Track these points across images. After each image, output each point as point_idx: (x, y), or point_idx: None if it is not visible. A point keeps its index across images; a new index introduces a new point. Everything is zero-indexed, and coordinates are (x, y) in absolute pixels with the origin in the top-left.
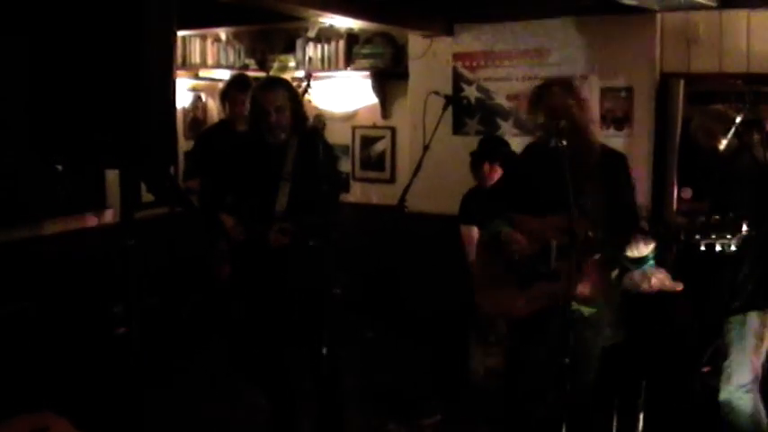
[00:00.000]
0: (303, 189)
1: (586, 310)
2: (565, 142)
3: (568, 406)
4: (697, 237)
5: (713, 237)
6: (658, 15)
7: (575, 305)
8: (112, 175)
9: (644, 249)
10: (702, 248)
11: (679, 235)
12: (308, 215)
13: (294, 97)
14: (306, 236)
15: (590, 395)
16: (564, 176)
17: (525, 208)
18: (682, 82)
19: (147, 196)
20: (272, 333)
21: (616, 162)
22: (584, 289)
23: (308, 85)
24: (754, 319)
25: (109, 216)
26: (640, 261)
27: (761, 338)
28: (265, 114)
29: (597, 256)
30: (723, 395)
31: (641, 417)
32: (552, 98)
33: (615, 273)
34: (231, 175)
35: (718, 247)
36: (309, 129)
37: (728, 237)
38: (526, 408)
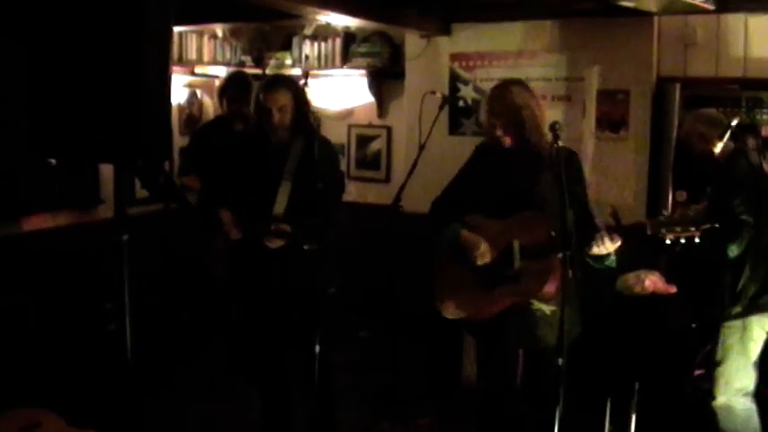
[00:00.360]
0: (304, 189)
1: (548, 309)
2: (561, 143)
3: (559, 406)
4: (663, 231)
5: (678, 230)
6: (656, 18)
7: (536, 304)
8: (107, 170)
9: (610, 246)
10: (668, 242)
11: (647, 230)
12: (309, 215)
13: (298, 96)
14: (302, 238)
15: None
16: (557, 177)
17: (484, 210)
18: (678, 86)
19: (141, 192)
20: (272, 333)
21: (568, 159)
22: (549, 288)
23: (305, 84)
24: (754, 323)
25: (102, 211)
26: (602, 259)
27: (759, 343)
28: (268, 113)
29: (560, 255)
30: (721, 400)
31: (633, 418)
32: (514, 97)
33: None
34: (231, 173)
35: (683, 240)
36: (313, 128)
37: (692, 230)
38: (501, 406)
